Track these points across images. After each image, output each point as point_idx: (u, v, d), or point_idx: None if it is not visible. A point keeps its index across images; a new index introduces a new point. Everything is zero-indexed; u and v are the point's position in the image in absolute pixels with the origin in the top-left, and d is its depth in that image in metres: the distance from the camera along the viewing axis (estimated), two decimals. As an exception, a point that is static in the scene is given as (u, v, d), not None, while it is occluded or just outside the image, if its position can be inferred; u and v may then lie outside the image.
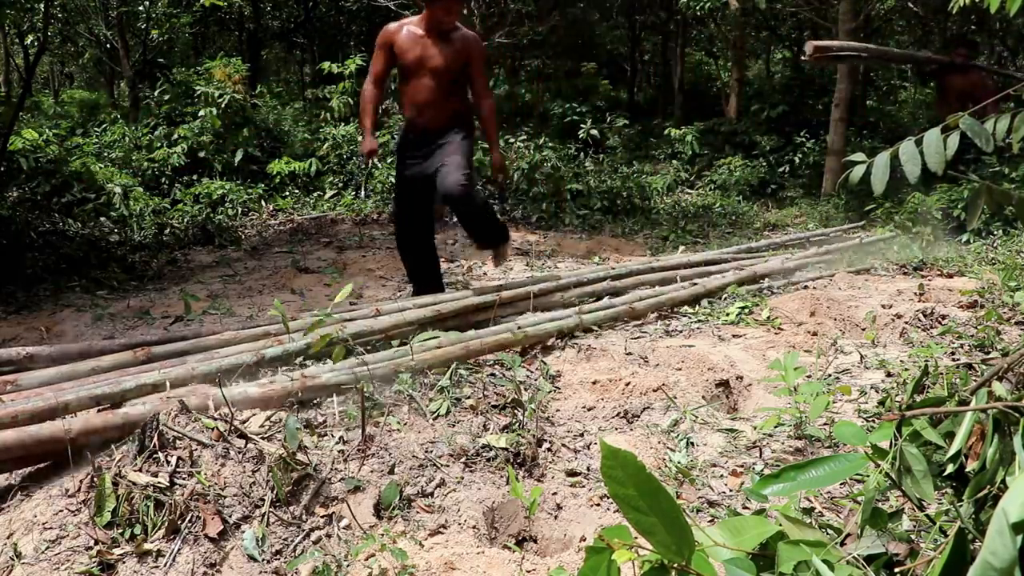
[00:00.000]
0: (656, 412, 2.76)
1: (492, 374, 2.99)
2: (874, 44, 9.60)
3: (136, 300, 4.81)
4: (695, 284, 4.48)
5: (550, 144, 9.06)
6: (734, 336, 3.71)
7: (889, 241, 6.01)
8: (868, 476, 1.38)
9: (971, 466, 1.56)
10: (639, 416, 2.75)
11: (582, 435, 2.62)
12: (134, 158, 8.28)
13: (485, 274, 5.62)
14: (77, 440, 2.14)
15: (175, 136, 8.63)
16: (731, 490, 2.26)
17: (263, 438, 2.24)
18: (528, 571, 1.80)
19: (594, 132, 9.34)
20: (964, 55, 7.21)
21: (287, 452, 2.10)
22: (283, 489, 2.05)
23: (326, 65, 9.36)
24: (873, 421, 2.64)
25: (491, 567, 1.80)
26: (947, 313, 3.79)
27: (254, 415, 2.40)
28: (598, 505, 2.19)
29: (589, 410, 2.80)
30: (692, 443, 2.54)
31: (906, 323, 3.69)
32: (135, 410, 2.30)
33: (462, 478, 2.25)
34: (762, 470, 2.35)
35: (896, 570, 1.24)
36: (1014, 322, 3.60)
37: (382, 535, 1.90)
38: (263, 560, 1.89)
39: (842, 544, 1.32)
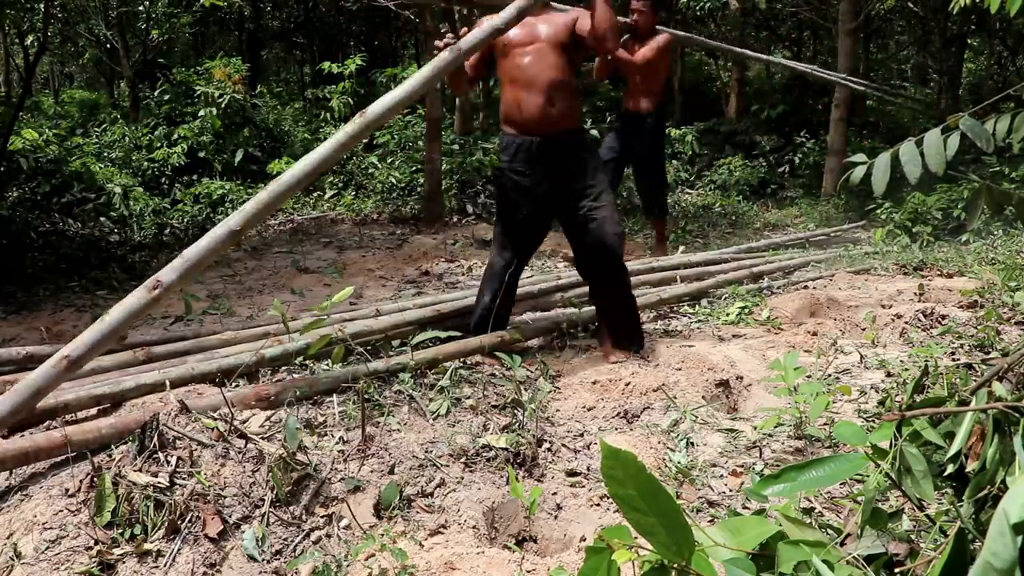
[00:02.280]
0: (656, 412, 2.76)
1: (492, 374, 2.99)
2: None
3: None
4: (695, 284, 4.48)
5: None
6: (734, 336, 3.70)
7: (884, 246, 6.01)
8: (868, 476, 1.38)
9: (971, 466, 1.56)
10: (639, 416, 2.75)
11: (582, 435, 2.62)
12: (134, 158, 8.28)
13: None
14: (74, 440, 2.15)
15: (175, 136, 8.63)
16: (731, 490, 2.26)
17: (263, 438, 2.24)
18: (528, 571, 1.80)
19: (594, 132, 9.33)
20: (647, 14, 5.32)
21: (287, 452, 2.10)
22: (283, 489, 2.04)
23: (326, 65, 9.35)
24: (873, 421, 2.64)
25: (491, 567, 1.80)
26: (947, 313, 3.78)
27: (254, 415, 2.40)
28: (598, 505, 2.19)
29: (589, 410, 2.80)
30: (692, 443, 2.54)
31: (906, 323, 3.68)
32: (133, 414, 2.30)
33: (462, 478, 2.25)
34: (762, 470, 2.35)
35: (896, 570, 1.24)
36: (1014, 322, 3.60)
37: (382, 535, 1.90)
38: (263, 560, 1.89)
39: (842, 544, 1.32)
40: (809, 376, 3.01)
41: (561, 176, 3.20)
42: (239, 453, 2.12)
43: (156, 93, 9.45)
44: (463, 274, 5.57)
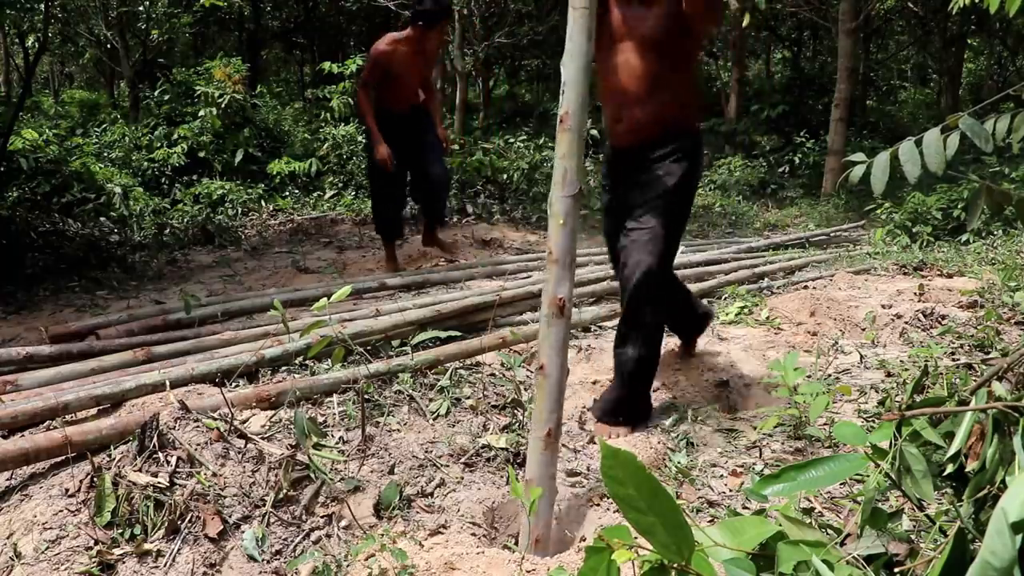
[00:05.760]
0: (656, 412, 2.76)
1: (492, 374, 2.99)
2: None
3: (136, 300, 4.80)
4: (696, 284, 4.48)
5: (550, 144, 9.05)
6: (734, 336, 3.70)
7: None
8: (868, 476, 1.38)
9: (971, 466, 1.56)
10: (639, 416, 2.75)
11: (582, 435, 2.62)
12: (134, 158, 8.27)
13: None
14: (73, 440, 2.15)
15: (175, 136, 8.63)
16: (731, 490, 2.26)
17: (263, 438, 2.24)
18: (528, 571, 1.80)
19: (594, 132, 9.33)
20: None
21: (301, 448, 2.10)
22: (284, 488, 2.04)
23: (326, 65, 9.35)
24: (873, 421, 2.64)
25: (491, 567, 1.79)
26: (947, 313, 3.78)
27: (254, 415, 2.40)
28: (598, 505, 2.19)
29: (589, 410, 2.80)
30: (692, 443, 2.54)
31: (906, 323, 3.68)
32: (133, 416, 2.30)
33: (462, 478, 2.25)
34: (762, 470, 2.35)
35: (896, 570, 1.24)
36: (1014, 322, 3.60)
37: (382, 535, 1.90)
38: (263, 560, 1.89)
39: (842, 544, 1.32)
40: (809, 376, 3.01)
41: None
42: (239, 453, 2.12)
43: (156, 93, 9.45)
44: (463, 274, 5.56)
